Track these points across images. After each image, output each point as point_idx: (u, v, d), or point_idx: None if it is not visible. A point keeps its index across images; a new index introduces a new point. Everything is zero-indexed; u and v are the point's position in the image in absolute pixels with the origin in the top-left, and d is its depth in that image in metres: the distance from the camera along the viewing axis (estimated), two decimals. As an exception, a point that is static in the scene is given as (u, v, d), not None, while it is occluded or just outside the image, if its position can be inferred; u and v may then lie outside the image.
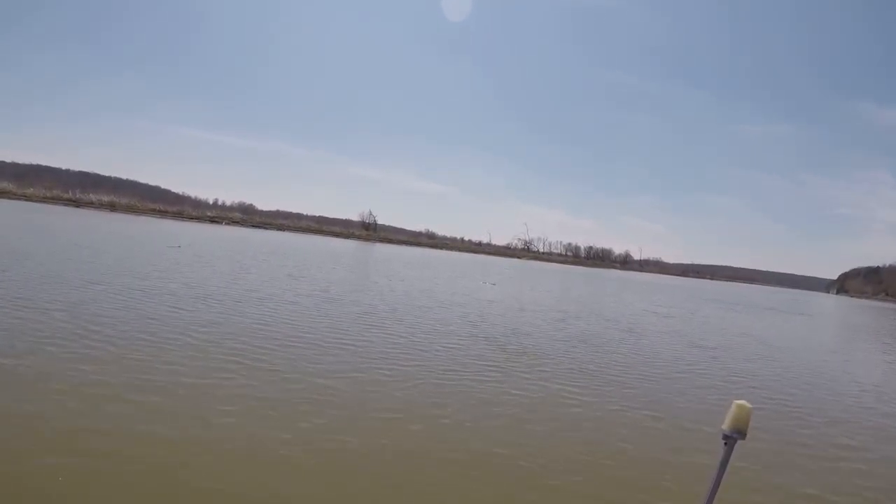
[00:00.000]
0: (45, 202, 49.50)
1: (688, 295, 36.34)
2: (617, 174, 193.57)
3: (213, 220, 64.31)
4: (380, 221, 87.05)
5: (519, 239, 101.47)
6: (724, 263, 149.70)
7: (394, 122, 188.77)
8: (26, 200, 48.15)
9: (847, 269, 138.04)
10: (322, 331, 8.26)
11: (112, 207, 54.83)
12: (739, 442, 1.61)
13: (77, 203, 52.90)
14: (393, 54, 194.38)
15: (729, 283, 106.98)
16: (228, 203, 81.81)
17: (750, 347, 12.60)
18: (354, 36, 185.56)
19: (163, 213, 58.52)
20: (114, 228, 29.00)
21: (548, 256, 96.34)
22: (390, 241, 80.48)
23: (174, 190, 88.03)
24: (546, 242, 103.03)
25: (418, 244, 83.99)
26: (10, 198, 47.35)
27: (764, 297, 53.22)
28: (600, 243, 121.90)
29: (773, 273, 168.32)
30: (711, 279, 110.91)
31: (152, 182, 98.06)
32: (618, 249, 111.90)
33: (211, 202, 79.81)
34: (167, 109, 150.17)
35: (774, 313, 28.20)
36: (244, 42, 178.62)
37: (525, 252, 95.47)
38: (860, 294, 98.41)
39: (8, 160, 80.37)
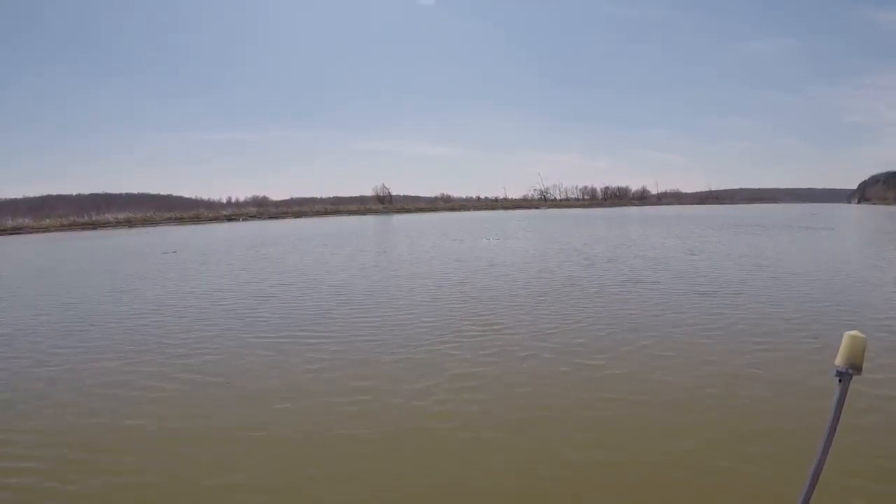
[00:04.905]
0: (62, 230, 47.87)
1: (707, 223, 35.10)
2: (626, 109, 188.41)
3: (229, 219, 62.71)
4: (396, 192, 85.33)
5: (534, 189, 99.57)
6: (743, 186, 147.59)
7: (395, 93, 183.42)
8: (45, 232, 46.51)
9: (866, 176, 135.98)
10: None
11: (129, 223, 53.20)
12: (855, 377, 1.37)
13: (94, 225, 51.25)
14: (382, 23, 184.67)
15: (750, 204, 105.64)
16: (242, 199, 79.73)
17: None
18: (342, 14, 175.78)
19: (180, 220, 56.90)
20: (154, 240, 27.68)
21: (566, 202, 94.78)
22: (407, 211, 78.99)
23: (187, 195, 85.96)
24: (562, 188, 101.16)
25: (435, 209, 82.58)
26: (29, 232, 45.68)
27: (786, 214, 51.89)
28: (617, 182, 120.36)
29: (793, 190, 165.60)
30: (732, 203, 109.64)
31: (164, 192, 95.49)
32: (635, 186, 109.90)
33: (224, 201, 77.73)
34: (166, 118, 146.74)
35: (805, 231, 26.76)
36: (232, 40, 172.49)
37: (542, 201, 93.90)
38: (882, 201, 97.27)
39: (20, 196, 78.58)
